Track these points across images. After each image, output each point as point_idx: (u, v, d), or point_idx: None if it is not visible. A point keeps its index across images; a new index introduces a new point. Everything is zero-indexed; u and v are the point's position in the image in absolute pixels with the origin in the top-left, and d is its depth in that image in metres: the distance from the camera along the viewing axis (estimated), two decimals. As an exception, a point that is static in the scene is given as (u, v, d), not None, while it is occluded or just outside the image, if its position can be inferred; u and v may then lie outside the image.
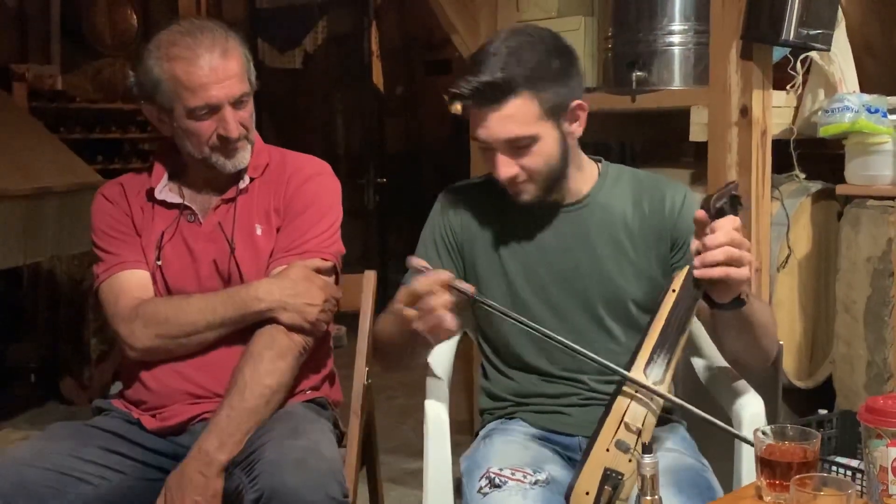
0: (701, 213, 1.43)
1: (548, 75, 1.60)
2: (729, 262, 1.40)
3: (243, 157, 1.78)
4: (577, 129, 1.67)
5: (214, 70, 1.68)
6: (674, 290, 1.48)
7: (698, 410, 1.50)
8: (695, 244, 1.44)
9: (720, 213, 1.42)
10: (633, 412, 1.45)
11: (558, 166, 1.66)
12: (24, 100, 4.99)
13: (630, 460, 1.42)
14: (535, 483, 1.51)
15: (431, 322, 1.45)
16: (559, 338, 1.56)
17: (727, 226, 1.41)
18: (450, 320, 1.45)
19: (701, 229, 1.43)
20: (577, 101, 1.65)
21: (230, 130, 1.71)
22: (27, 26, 5.57)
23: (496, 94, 1.58)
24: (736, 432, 1.58)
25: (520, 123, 1.60)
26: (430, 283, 1.46)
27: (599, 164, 1.79)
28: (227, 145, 1.74)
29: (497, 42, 1.63)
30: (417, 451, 1.73)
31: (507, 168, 1.63)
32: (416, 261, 1.53)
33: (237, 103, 1.73)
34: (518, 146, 1.61)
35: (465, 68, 1.65)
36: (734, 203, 1.44)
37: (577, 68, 1.67)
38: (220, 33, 1.72)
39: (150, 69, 1.71)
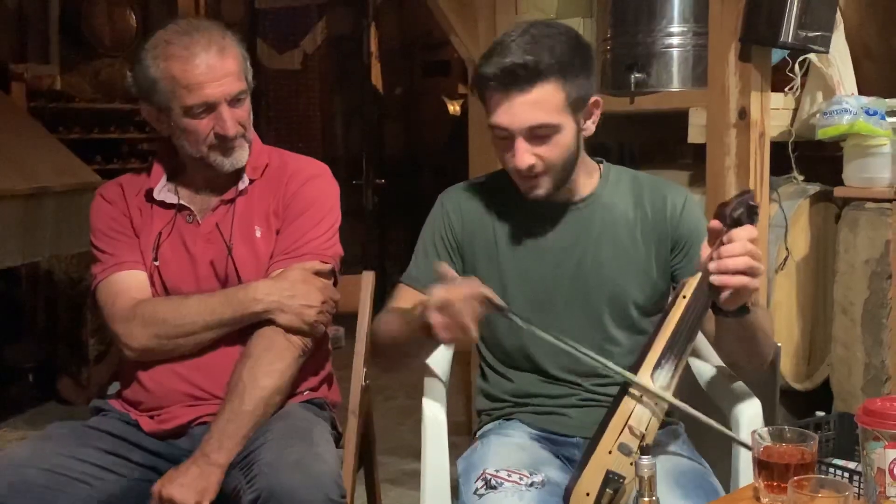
0: (716, 223, 1.41)
1: (574, 66, 1.58)
2: (746, 273, 1.39)
3: (241, 155, 1.78)
4: (590, 126, 1.67)
5: (211, 68, 1.68)
6: (684, 297, 1.48)
7: (706, 418, 1.50)
8: (707, 252, 1.43)
9: (737, 223, 1.40)
10: (637, 416, 1.45)
11: (572, 162, 1.65)
12: (23, 99, 4.95)
13: (632, 464, 1.41)
14: (532, 485, 1.50)
15: (459, 333, 1.45)
16: (586, 350, 1.55)
17: (745, 236, 1.39)
18: (475, 332, 1.46)
19: (715, 238, 1.42)
20: (595, 98, 1.65)
21: (227, 129, 1.72)
22: (26, 26, 5.55)
23: (526, 77, 1.55)
24: (741, 440, 1.57)
25: (546, 111, 1.57)
26: (467, 295, 1.45)
27: (601, 165, 1.79)
28: (224, 144, 1.74)
29: (518, 30, 1.60)
30: (415, 452, 1.73)
31: (526, 156, 1.59)
32: (444, 268, 1.52)
33: (234, 101, 1.73)
34: (539, 134, 1.59)
35: (486, 54, 1.61)
36: (751, 213, 1.42)
37: (595, 64, 1.67)
38: (216, 32, 1.73)
39: (147, 68, 1.72)
